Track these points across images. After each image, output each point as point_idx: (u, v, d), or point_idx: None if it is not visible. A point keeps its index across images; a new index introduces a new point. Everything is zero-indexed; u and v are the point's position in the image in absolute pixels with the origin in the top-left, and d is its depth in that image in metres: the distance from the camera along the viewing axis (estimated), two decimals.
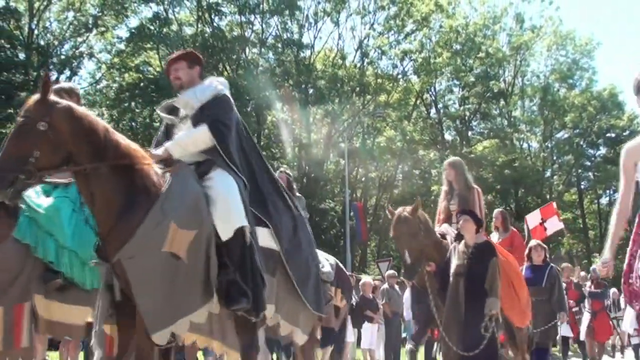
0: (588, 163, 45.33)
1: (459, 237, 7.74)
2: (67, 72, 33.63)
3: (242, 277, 4.96)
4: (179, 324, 4.67)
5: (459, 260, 7.46)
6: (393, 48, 39.27)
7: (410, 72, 41.13)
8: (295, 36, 37.28)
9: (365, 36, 38.77)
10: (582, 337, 14.90)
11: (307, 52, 37.71)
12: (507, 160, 40.65)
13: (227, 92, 5.55)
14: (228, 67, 36.48)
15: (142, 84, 34.63)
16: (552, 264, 10.12)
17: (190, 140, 5.27)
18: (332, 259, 8.69)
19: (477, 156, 41.15)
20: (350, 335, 13.90)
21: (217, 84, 5.51)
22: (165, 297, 4.59)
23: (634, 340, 15.04)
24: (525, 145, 44.56)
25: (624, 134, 44.11)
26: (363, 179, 41.36)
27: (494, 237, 10.72)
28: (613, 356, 18.36)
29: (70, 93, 6.15)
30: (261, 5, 35.69)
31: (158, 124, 37.22)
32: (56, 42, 33.42)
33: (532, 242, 10.39)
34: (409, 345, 8.94)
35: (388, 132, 40.42)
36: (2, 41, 30.28)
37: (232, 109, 5.48)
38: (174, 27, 35.39)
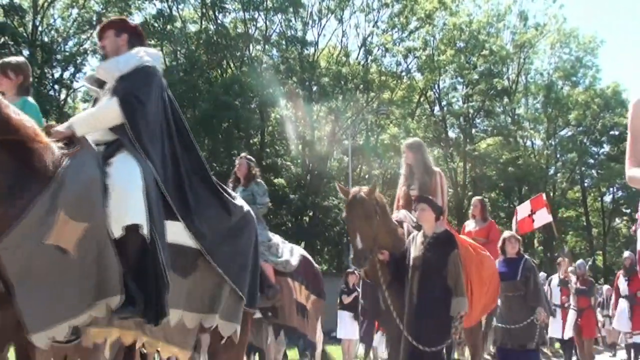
0: (591, 161, 45.37)
1: (419, 227, 7.14)
2: (71, 69, 33.73)
3: (138, 280, 4.34)
4: (58, 329, 4.07)
5: (416, 252, 6.81)
6: (397, 45, 39.27)
7: (414, 70, 41.17)
8: (299, 33, 37.29)
9: (369, 34, 38.80)
10: (567, 336, 13.87)
11: (311, 50, 37.72)
12: (511, 157, 40.65)
13: (156, 65, 4.97)
14: (232, 64, 36.50)
15: None
16: (526, 256, 9.32)
17: (98, 115, 4.65)
18: (299, 252, 8.08)
19: (481, 154, 41.20)
20: (355, 332, 13.92)
21: (143, 54, 4.92)
22: (50, 296, 4.03)
23: (636, 339, 14.11)
24: (528, 143, 44.58)
25: (627, 131, 44.09)
26: (367, 176, 41.32)
27: (470, 226, 10.52)
28: (614, 355, 18.08)
29: (16, 69, 5.96)
30: (265, 3, 35.67)
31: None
32: (60, 39, 33.45)
33: (506, 234, 9.58)
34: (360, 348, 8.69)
35: (392, 129, 40.38)
36: (6, 38, 30.29)
37: (152, 83, 4.83)
38: (178, 24, 35.41)
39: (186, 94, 32.96)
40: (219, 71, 36.45)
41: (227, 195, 5.37)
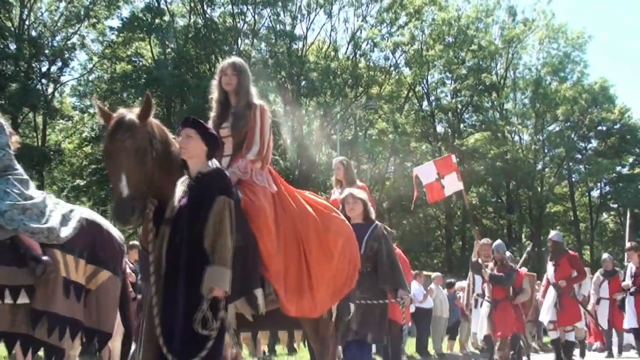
0: (579, 156, 45.56)
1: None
2: (59, 63, 33.51)
3: None
4: None
5: (174, 201, 4.55)
6: (385, 40, 39.28)
7: (403, 65, 41.19)
8: (288, 28, 37.23)
9: (357, 28, 38.77)
10: (481, 333, 11.84)
11: (300, 44, 37.67)
12: (499, 152, 40.77)
13: None
14: (220, 59, 36.37)
15: (134, 75, 34.53)
16: (377, 222, 7.10)
17: None
18: (79, 217, 5.61)
19: (469, 148, 41.27)
20: None
21: None
22: None
23: (552, 335, 12.40)
24: (516, 138, 44.70)
25: (615, 127, 44.43)
26: (355, 171, 41.32)
27: (336, 194, 8.35)
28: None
29: None
30: None
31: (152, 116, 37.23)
32: (48, 33, 33.25)
33: (345, 192, 7.28)
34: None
35: (380, 124, 40.45)
36: None
37: None
38: (167, 17, 35.27)
39: (175, 88, 32.88)
40: (208, 65, 36.33)
41: None
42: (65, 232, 5.41)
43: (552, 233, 12.81)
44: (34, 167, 30.59)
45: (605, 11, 75.11)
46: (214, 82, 5.67)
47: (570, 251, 12.55)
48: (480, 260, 11.63)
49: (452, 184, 11.42)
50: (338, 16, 38.70)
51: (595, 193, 47.60)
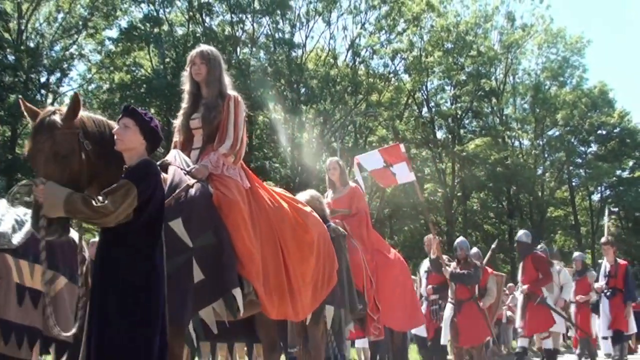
0: (579, 160, 45.50)
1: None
2: (58, 74, 33.53)
3: None
4: None
5: None
6: (384, 47, 39.29)
7: (402, 71, 41.18)
8: (287, 36, 37.25)
9: (356, 36, 38.78)
10: (443, 339, 10.71)
11: (299, 52, 37.68)
12: (499, 158, 40.73)
13: None
14: None
15: (133, 85, 34.53)
16: (331, 223, 6.60)
17: None
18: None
19: (469, 154, 41.20)
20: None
21: None
22: None
23: (547, 344, 11.40)
24: (517, 143, 44.70)
25: (615, 130, 44.39)
26: (356, 178, 41.29)
27: (328, 196, 8.35)
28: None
29: None
30: (252, 5, 35.61)
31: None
32: (46, 44, 33.27)
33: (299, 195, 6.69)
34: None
35: (380, 131, 40.42)
36: None
37: None
38: (165, 27, 35.29)
39: (174, 97, 32.85)
40: None
41: None
42: (18, 237, 5.26)
43: (519, 232, 11.95)
44: (33, 178, 30.57)
45: (603, 15, 75.23)
46: (185, 74, 5.37)
47: (537, 252, 11.45)
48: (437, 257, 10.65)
49: (403, 174, 10.42)
50: (337, 24, 38.76)
51: (595, 197, 47.57)
